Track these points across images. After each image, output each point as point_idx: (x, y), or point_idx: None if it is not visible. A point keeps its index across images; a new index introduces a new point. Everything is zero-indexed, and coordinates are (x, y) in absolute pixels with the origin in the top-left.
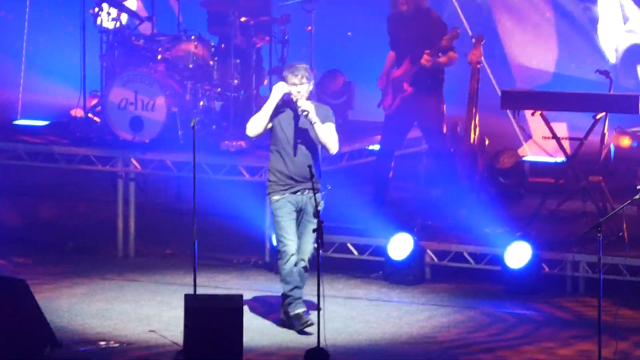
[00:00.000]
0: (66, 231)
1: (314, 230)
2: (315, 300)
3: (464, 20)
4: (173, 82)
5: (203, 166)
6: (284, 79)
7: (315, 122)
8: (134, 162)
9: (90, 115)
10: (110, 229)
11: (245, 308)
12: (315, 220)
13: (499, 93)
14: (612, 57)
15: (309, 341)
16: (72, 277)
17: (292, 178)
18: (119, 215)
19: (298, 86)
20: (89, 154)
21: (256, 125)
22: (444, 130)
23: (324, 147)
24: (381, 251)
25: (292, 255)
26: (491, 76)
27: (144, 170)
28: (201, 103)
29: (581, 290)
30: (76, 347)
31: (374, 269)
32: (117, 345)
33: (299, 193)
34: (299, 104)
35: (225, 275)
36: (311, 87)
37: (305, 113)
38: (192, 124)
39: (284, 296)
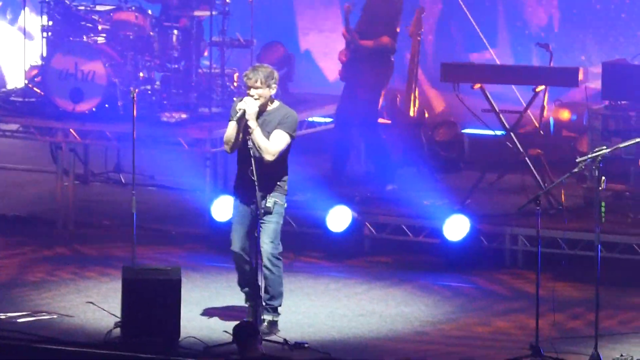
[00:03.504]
0: (6, 201)
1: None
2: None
3: None
4: (114, 52)
5: (143, 137)
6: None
7: (252, 128)
8: (74, 132)
9: (30, 85)
10: (50, 199)
11: (184, 280)
12: (265, 220)
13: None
14: None
15: (244, 315)
16: (11, 248)
17: (248, 180)
18: (58, 186)
19: (252, 90)
20: (28, 125)
21: (226, 144)
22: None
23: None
24: (320, 223)
25: (234, 253)
26: None
27: (83, 140)
28: (141, 74)
29: (520, 264)
30: (13, 319)
31: (313, 242)
32: (54, 316)
33: (253, 195)
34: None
35: (164, 247)
36: (273, 92)
37: (241, 112)
38: (132, 95)
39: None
